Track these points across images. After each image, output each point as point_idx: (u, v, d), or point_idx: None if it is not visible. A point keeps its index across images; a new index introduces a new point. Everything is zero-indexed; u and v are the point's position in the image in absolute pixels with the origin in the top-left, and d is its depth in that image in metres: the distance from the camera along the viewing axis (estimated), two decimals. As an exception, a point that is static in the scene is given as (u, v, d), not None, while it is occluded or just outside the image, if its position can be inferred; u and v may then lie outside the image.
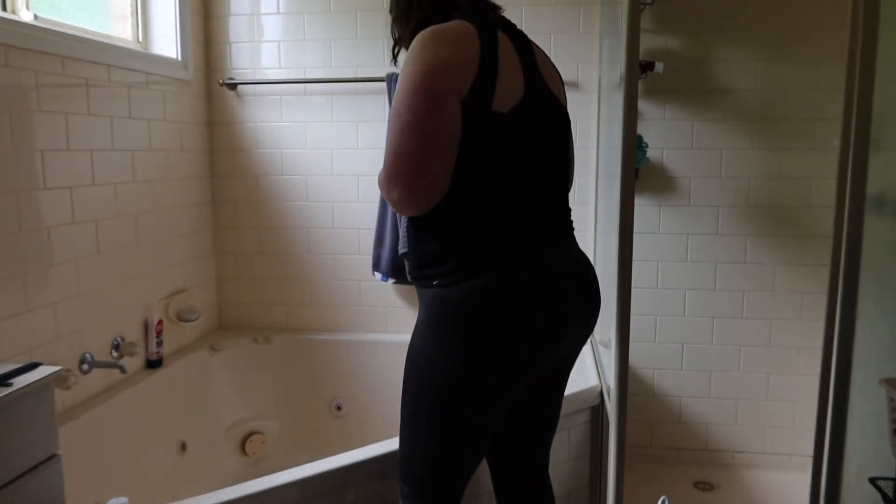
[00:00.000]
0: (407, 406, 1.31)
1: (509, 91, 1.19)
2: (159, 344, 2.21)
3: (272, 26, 2.54)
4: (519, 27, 1.32)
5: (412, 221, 1.28)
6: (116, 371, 2.00)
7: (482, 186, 1.21)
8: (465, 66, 1.16)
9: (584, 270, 1.35)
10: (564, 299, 1.27)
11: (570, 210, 1.38)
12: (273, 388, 2.58)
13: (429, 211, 1.22)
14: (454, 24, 1.20)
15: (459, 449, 1.30)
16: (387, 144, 1.19)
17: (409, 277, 1.34)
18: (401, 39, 1.36)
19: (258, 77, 2.57)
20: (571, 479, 2.07)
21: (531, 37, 1.35)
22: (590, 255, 2.47)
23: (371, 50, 2.49)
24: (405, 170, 1.17)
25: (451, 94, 1.15)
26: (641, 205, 2.42)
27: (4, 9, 1.76)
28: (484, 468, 1.71)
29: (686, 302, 2.47)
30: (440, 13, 1.28)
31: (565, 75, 2.40)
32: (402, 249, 1.33)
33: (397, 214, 1.31)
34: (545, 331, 1.24)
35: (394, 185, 1.19)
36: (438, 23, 1.21)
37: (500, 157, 1.21)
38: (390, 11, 1.39)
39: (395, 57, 1.39)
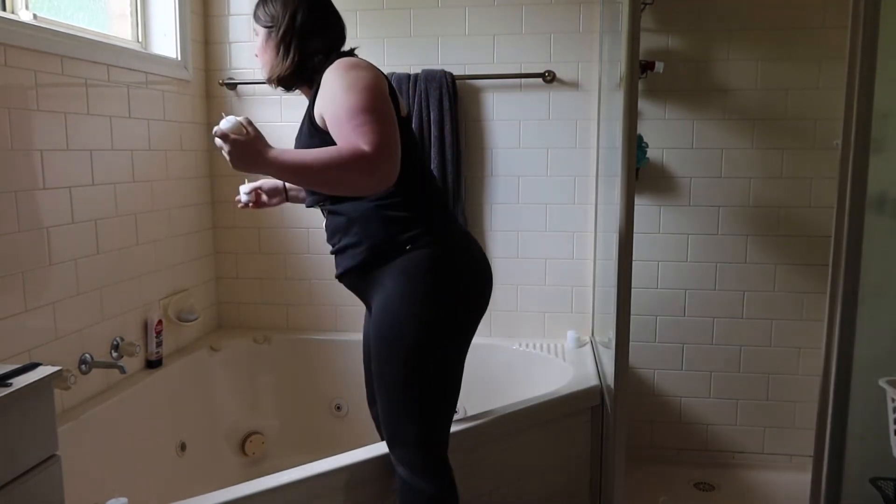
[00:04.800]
0: (396, 371, 1.45)
1: (400, 101, 1.49)
2: (159, 344, 2.21)
3: (272, 26, 2.53)
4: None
5: (378, 204, 1.48)
6: (116, 371, 2.00)
7: (417, 172, 1.52)
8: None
9: None
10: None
11: None
12: (273, 389, 2.58)
13: (392, 192, 1.45)
14: (355, 58, 1.49)
15: (449, 396, 1.51)
16: (363, 122, 1.28)
17: (360, 260, 1.50)
18: (292, 67, 1.52)
19: (258, 77, 2.56)
20: (571, 479, 2.07)
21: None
22: (590, 255, 2.48)
23: (370, 49, 2.49)
24: (394, 143, 1.29)
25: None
26: (641, 205, 2.42)
27: (4, 8, 1.76)
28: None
29: (686, 302, 2.46)
30: (329, 49, 1.55)
31: (566, 75, 2.39)
32: (343, 242, 1.52)
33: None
34: (488, 280, 1.57)
35: (386, 158, 1.26)
36: (332, 56, 1.49)
37: (415, 150, 1.54)
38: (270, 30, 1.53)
39: (278, 82, 1.55)
